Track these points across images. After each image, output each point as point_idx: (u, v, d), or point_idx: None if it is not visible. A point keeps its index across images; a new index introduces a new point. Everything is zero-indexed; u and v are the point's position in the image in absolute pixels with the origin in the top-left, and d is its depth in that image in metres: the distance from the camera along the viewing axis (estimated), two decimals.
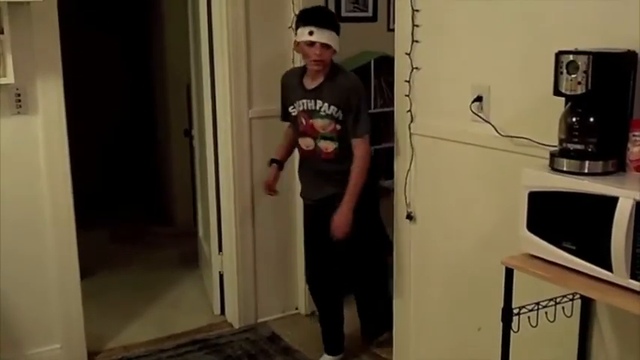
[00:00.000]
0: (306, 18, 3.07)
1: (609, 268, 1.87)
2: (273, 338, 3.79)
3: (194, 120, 4.54)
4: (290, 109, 3.25)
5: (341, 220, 3.10)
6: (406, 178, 3.06)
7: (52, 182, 3.28)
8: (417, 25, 2.90)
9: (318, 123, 3.15)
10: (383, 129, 4.13)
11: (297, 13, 3.70)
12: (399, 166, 3.12)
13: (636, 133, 2.00)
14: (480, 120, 2.64)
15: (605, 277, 1.89)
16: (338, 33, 3.07)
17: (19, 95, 3.15)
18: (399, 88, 3.04)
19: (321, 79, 3.13)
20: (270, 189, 3.48)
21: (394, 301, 3.29)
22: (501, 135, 2.55)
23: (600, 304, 2.28)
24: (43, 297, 3.35)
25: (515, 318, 2.15)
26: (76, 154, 3.40)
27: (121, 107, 6.16)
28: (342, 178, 3.14)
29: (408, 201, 3.07)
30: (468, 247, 2.77)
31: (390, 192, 3.25)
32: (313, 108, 3.14)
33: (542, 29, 2.37)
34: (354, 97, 3.09)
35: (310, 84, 3.16)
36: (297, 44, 3.12)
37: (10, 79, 3.03)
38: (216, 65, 3.74)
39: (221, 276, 4.02)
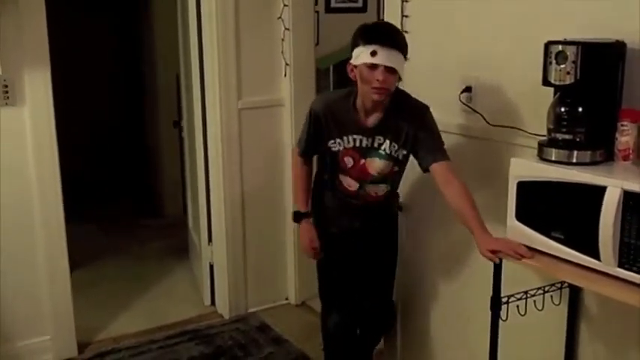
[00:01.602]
0: (367, 35, 2.46)
1: (597, 256, 1.89)
2: (264, 328, 3.80)
3: (183, 111, 4.53)
4: (330, 143, 2.66)
5: (495, 242, 2.20)
6: None
7: (40, 174, 3.26)
8: (407, 16, 2.90)
9: (375, 164, 2.63)
10: None
11: (285, 2, 3.72)
12: None
13: (624, 123, 2.01)
14: (469, 110, 2.65)
15: (593, 266, 1.91)
16: (406, 56, 2.49)
17: (6, 87, 3.12)
18: None
19: (380, 114, 2.57)
20: (317, 252, 2.85)
21: None
22: (491, 125, 2.56)
23: (588, 292, 2.30)
24: (33, 289, 3.34)
25: (504, 307, 2.16)
26: (64, 145, 3.39)
27: (109, 98, 6.12)
28: (387, 212, 2.88)
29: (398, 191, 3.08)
30: (458, 237, 2.78)
31: None
32: (370, 145, 2.61)
33: (531, 19, 2.38)
34: (424, 122, 2.56)
35: (366, 120, 2.59)
36: (352, 68, 2.52)
37: None
38: (205, 56, 3.73)
39: (211, 267, 4.02)
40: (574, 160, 2.03)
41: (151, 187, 6.06)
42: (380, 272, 2.96)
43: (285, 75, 3.83)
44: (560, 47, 2.02)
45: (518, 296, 2.20)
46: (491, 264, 2.16)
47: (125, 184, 6.19)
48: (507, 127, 2.48)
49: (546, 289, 2.26)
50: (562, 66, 2.02)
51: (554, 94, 2.13)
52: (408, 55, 2.77)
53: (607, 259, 1.87)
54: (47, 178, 3.28)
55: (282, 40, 3.78)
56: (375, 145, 2.61)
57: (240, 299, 3.96)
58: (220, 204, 3.83)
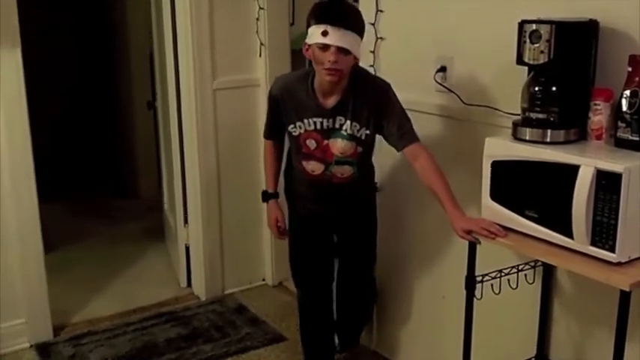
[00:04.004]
0: (319, 14, 2.40)
1: (570, 235, 1.90)
2: (240, 309, 3.80)
3: (157, 91, 4.48)
4: (290, 127, 2.62)
5: (468, 222, 2.22)
6: None
7: (12, 155, 3.20)
8: None
9: (338, 145, 2.57)
10: None
11: None
12: None
13: (597, 102, 2.02)
14: (445, 90, 2.65)
15: (566, 245, 1.93)
16: (362, 36, 2.44)
17: None
18: (364, 58, 3.01)
19: (339, 95, 2.51)
20: (282, 231, 2.88)
21: None
22: (465, 104, 2.56)
23: (561, 270, 2.32)
24: (6, 272, 3.29)
25: (478, 286, 2.18)
26: (36, 126, 3.33)
27: (81, 78, 6.03)
28: (360, 199, 2.82)
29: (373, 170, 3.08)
30: (433, 217, 2.79)
31: None
32: (331, 126, 2.55)
33: None
34: (387, 102, 2.51)
35: (326, 101, 2.53)
36: (307, 48, 2.45)
37: None
38: (178, 35, 3.68)
39: (187, 248, 4.00)
40: (548, 140, 2.04)
41: (125, 169, 6.00)
42: (354, 256, 2.93)
43: (260, 55, 3.80)
44: (534, 26, 2.02)
45: (492, 275, 2.21)
46: (467, 243, 2.17)
47: (99, 165, 6.13)
48: (482, 106, 2.48)
49: (520, 267, 2.28)
50: (536, 45, 2.02)
51: (529, 73, 2.14)
52: (384, 35, 2.76)
53: (580, 238, 1.88)
54: (19, 159, 3.23)
55: (257, 19, 3.74)
56: (337, 125, 2.55)
57: (216, 281, 3.95)
58: (196, 185, 3.80)
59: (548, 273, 2.35)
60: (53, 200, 4.71)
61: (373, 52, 2.94)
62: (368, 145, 2.62)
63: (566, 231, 1.91)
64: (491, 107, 2.45)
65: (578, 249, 1.90)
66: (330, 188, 2.69)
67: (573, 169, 1.87)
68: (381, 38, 2.91)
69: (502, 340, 2.59)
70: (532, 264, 2.29)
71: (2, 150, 3.19)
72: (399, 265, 3.09)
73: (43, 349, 3.39)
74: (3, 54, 3.11)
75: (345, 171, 2.63)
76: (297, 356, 3.17)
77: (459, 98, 2.58)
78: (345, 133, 2.55)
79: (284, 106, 2.62)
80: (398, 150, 2.54)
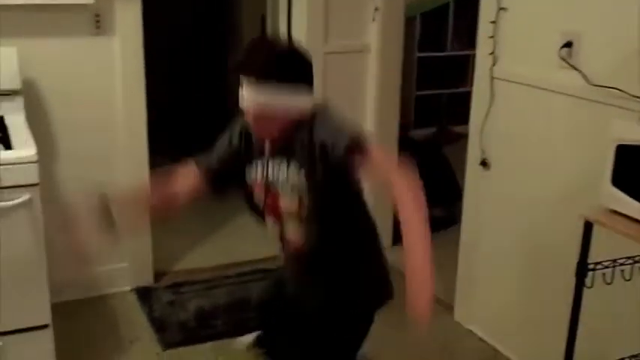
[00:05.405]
0: (235, 58, 1.95)
1: None
2: None
3: None
4: (246, 174, 2.06)
5: (424, 292, 1.62)
6: (483, 124, 2.97)
7: (127, 104, 3.30)
8: None
9: (284, 200, 1.95)
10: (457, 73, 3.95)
11: None
12: (476, 110, 3.03)
13: None
14: (569, 67, 2.52)
15: None
16: (299, 80, 1.91)
17: (97, 16, 3.15)
18: (483, 29, 2.92)
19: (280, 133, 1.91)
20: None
21: (460, 249, 3.24)
22: (590, 84, 2.43)
23: None
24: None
25: (589, 274, 2.09)
26: (150, 79, 3.41)
27: (193, 37, 6.14)
28: (333, 277, 2.04)
29: (483, 147, 2.99)
30: (545, 199, 2.69)
31: (462, 137, 3.17)
32: (271, 174, 1.96)
33: None
34: (320, 118, 1.93)
35: (265, 139, 1.96)
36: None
37: None
38: None
39: None
40: None
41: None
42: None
43: (374, 20, 3.73)
44: None
45: (606, 264, 2.11)
46: (580, 229, 2.07)
47: (206, 122, 6.25)
48: (609, 87, 2.35)
49: (636, 258, 2.16)
50: None
51: None
52: (506, 5, 2.65)
53: None
54: (133, 108, 3.33)
55: None
56: (274, 176, 1.95)
57: None
58: None
59: None
60: (160, 153, 4.84)
61: (494, 22, 2.83)
62: (319, 194, 1.87)
63: None
64: (619, 89, 2.31)
65: None
66: (295, 260, 2.10)
67: None
68: (503, 9, 2.79)
69: (607, 332, 2.48)
70: None
71: (118, 101, 3.30)
72: (504, 245, 3.00)
73: (143, 293, 3.51)
74: (124, 6, 3.18)
75: (293, 233, 2.00)
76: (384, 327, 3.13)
77: (584, 77, 2.45)
78: (285, 182, 1.91)
79: (233, 145, 2.10)
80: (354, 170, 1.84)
